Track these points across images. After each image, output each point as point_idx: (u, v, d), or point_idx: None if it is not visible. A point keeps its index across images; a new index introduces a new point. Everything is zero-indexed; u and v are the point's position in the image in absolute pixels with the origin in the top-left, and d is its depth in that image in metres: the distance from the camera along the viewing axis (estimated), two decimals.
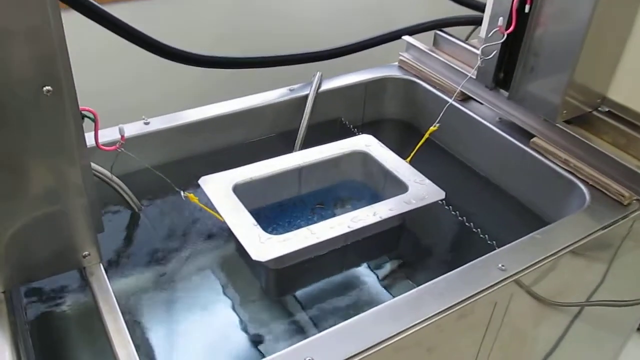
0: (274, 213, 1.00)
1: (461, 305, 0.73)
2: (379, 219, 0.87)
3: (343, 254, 0.93)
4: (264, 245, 0.81)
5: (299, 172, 1.01)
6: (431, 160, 1.09)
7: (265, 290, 0.92)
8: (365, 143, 1.08)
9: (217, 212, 0.87)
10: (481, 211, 1.07)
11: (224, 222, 0.86)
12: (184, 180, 1.00)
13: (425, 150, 1.07)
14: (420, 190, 0.95)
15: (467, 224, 0.99)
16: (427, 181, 0.97)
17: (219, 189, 0.92)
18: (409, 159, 1.05)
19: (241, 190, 0.95)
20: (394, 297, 0.79)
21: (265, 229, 0.93)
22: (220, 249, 1.00)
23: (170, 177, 0.96)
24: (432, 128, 1.02)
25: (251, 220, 0.86)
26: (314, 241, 0.82)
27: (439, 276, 0.77)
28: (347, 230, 0.85)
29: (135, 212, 1.00)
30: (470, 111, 1.17)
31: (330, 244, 0.88)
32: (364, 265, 0.99)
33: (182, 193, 0.86)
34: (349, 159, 1.06)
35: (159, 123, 1.07)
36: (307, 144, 1.18)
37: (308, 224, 0.96)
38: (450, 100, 1.10)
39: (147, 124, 1.07)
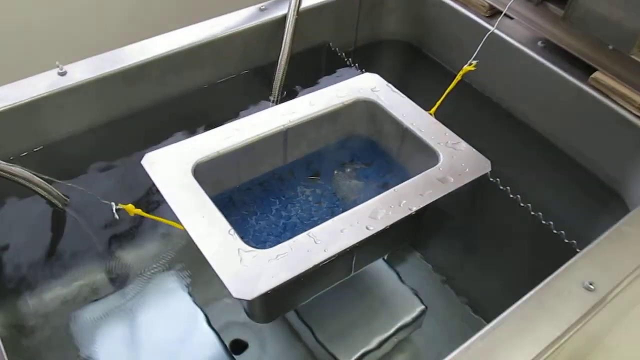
0: (253, 196, 0.73)
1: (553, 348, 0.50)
2: (407, 212, 0.61)
3: (351, 252, 0.68)
4: (248, 271, 0.54)
5: (284, 136, 0.72)
6: (452, 106, 0.82)
7: (249, 313, 0.67)
8: (370, 86, 0.79)
9: (172, 216, 0.59)
10: (532, 180, 0.82)
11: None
12: (119, 155, 0.71)
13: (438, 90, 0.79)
14: (455, 158, 0.68)
15: (521, 204, 0.74)
16: (464, 144, 0.70)
17: (172, 172, 0.64)
18: (433, 109, 0.77)
19: (205, 172, 0.66)
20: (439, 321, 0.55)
21: (244, 229, 0.66)
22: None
23: (99, 152, 0.67)
24: (467, 67, 0.73)
25: (224, 225, 0.58)
26: (320, 257, 0.56)
27: (499, 298, 0.54)
28: (365, 234, 0.59)
29: (58, 208, 0.70)
30: (502, 32, 0.88)
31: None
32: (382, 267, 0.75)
33: (113, 207, 0.56)
34: (351, 112, 0.77)
35: (79, 71, 0.74)
36: (290, 82, 0.88)
37: (302, 210, 0.70)
38: (472, 17, 0.81)
39: (62, 74, 0.74)
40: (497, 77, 0.91)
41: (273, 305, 0.66)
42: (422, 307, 0.83)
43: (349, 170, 0.78)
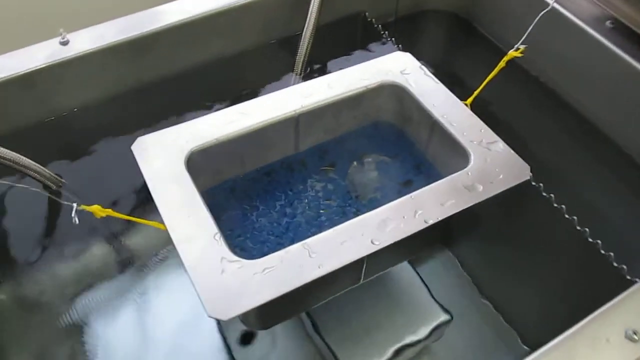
0: (257, 188, 0.66)
1: None
2: (422, 224, 0.53)
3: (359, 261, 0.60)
4: (229, 285, 0.48)
5: (296, 122, 0.64)
6: (497, 90, 0.70)
7: (241, 319, 0.62)
8: (400, 68, 0.69)
9: (154, 214, 0.53)
10: (586, 188, 0.70)
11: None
12: (121, 134, 0.65)
13: (485, 72, 0.68)
14: (489, 161, 0.58)
15: (578, 227, 0.63)
16: (501, 144, 0.60)
17: (163, 161, 0.57)
18: (470, 99, 0.66)
19: (202, 160, 0.60)
20: None
21: (242, 225, 0.60)
22: None
23: (101, 130, 0.61)
24: (513, 52, 0.61)
25: (211, 227, 0.52)
26: (313, 274, 0.49)
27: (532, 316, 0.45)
28: (369, 250, 0.51)
29: (53, 190, 0.66)
30: (563, 7, 0.75)
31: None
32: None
33: (74, 208, 0.50)
34: (375, 97, 0.68)
35: (83, 41, 0.69)
36: (317, 56, 0.80)
37: (310, 208, 0.62)
38: None
39: (64, 43, 0.69)
40: (553, 60, 0.78)
41: (269, 313, 0.60)
42: (446, 317, 0.74)
43: (368, 162, 0.69)
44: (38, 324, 0.66)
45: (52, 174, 0.65)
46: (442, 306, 0.75)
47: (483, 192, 0.55)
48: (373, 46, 0.88)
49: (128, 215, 0.55)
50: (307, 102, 0.64)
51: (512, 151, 0.59)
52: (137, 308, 0.75)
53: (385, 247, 0.51)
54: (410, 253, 0.69)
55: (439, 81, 0.67)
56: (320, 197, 0.65)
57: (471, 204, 0.54)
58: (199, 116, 0.63)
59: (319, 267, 0.49)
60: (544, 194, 0.69)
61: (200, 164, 0.60)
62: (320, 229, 0.62)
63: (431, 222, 0.52)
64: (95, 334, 0.71)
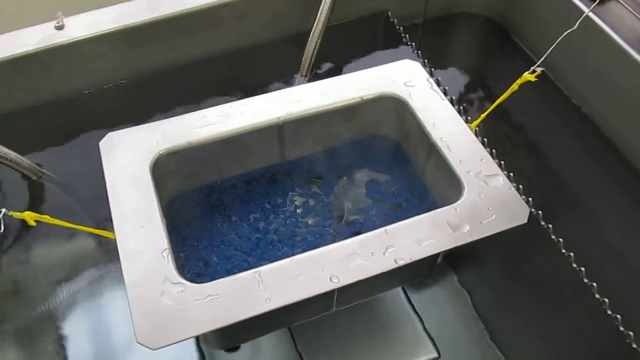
0: (234, 197, 0.61)
1: None
2: (391, 264, 0.47)
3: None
4: (166, 310, 0.44)
5: (280, 131, 0.59)
6: (517, 101, 0.63)
7: (201, 338, 0.58)
8: (405, 78, 0.62)
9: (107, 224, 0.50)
10: (604, 223, 0.62)
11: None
12: (109, 126, 0.62)
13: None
14: (483, 196, 0.51)
15: (585, 280, 0.56)
16: (501, 179, 0.53)
17: (129, 161, 0.54)
18: (476, 122, 0.59)
19: (174, 163, 0.56)
20: None
21: (210, 236, 0.56)
22: None
23: (88, 120, 0.59)
24: (527, 75, 0.54)
25: (161, 242, 0.48)
26: (258, 308, 0.44)
27: None
28: (325, 288, 0.46)
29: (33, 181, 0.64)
30: (601, 19, 0.66)
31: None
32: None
33: (1, 213, 0.47)
34: (372, 110, 0.62)
35: (78, 27, 0.66)
36: (327, 57, 0.74)
37: (285, 225, 0.58)
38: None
39: (59, 27, 0.66)
40: (582, 73, 0.69)
41: (226, 335, 0.56)
42: (434, 355, 0.68)
43: (358, 178, 0.64)
44: None
45: (31, 163, 0.63)
46: (432, 341, 0.69)
47: (468, 234, 0.49)
48: (391, 50, 0.82)
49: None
50: (294, 109, 0.59)
51: (512, 188, 0.52)
52: (111, 303, 0.72)
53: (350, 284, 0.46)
54: (390, 286, 0.63)
55: (445, 98, 0.60)
56: (298, 215, 0.60)
57: (451, 247, 0.48)
58: (189, 112, 0.59)
59: (267, 302, 0.44)
60: (553, 236, 0.61)
61: (170, 166, 0.56)
62: (292, 249, 0.57)
63: (401, 263, 0.47)
64: (72, 321, 0.69)
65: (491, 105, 0.62)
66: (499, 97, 0.62)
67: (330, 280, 0.46)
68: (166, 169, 0.56)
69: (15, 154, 0.61)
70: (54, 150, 0.70)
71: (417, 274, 0.61)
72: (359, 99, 0.60)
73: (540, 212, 0.64)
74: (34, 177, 0.64)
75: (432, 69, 0.77)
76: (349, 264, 0.47)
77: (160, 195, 0.57)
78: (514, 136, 0.74)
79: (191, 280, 0.54)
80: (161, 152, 0.55)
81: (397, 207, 0.61)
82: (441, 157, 0.55)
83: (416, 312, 0.70)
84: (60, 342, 0.66)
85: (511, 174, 0.62)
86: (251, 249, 0.57)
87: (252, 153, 0.61)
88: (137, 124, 0.57)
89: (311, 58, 0.74)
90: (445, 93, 0.65)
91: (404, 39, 0.81)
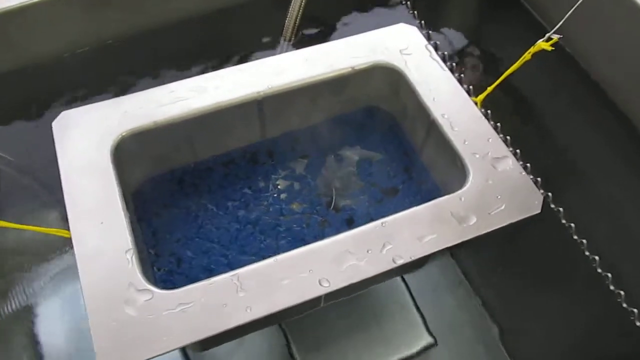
0: (210, 181, 0.55)
1: None
2: (390, 264, 0.41)
3: None
4: (130, 323, 0.38)
5: (259, 106, 0.52)
6: (527, 73, 0.56)
7: None
8: (401, 45, 0.55)
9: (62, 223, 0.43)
10: (619, 206, 0.57)
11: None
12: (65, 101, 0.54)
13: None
14: (491, 182, 0.46)
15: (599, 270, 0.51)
16: (511, 161, 0.47)
17: (87, 144, 0.46)
18: (481, 96, 0.53)
19: (139, 144, 0.49)
20: None
21: (184, 229, 0.50)
22: None
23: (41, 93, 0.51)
24: (541, 43, 0.47)
25: (125, 240, 0.41)
26: (237, 319, 0.38)
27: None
28: (315, 293, 0.40)
29: None
30: None
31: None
32: None
33: None
34: (364, 81, 0.55)
35: None
36: (315, 20, 0.67)
37: (268, 213, 0.52)
38: None
39: None
40: (601, 47, 0.63)
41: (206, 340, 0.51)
42: (429, 340, 0.64)
43: (348, 157, 0.57)
44: None
45: None
46: (428, 328, 0.65)
47: (475, 227, 0.43)
48: (384, 10, 0.74)
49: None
50: (276, 82, 0.51)
51: (523, 172, 0.46)
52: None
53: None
54: (385, 279, 0.58)
55: (446, 68, 0.53)
56: (283, 200, 0.54)
57: (457, 242, 0.42)
58: (158, 85, 0.52)
59: (247, 311, 0.39)
60: (564, 221, 0.56)
61: (135, 150, 0.49)
62: (276, 240, 0.52)
63: (401, 262, 0.41)
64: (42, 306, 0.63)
65: (499, 77, 0.55)
66: (504, 67, 0.55)
67: (320, 284, 0.40)
68: (130, 153, 0.49)
69: None
70: (5, 128, 0.62)
71: (416, 265, 0.56)
72: (349, 69, 0.53)
73: (549, 193, 0.59)
74: None
75: (429, 32, 0.70)
76: (340, 265, 0.41)
77: (125, 182, 0.50)
78: (520, 110, 0.68)
79: (163, 281, 0.48)
80: (123, 134, 0.47)
81: (392, 191, 0.55)
82: (443, 136, 0.49)
83: (413, 299, 0.65)
84: (29, 338, 0.60)
85: (517, 152, 0.57)
86: (230, 242, 0.51)
87: (229, 132, 0.54)
88: (99, 98, 0.50)
89: (295, 19, 0.67)
90: (444, 61, 0.59)
91: (403, 5, 0.73)
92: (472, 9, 0.79)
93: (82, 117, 0.48)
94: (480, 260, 0.67)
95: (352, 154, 0.57)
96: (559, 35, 0.45)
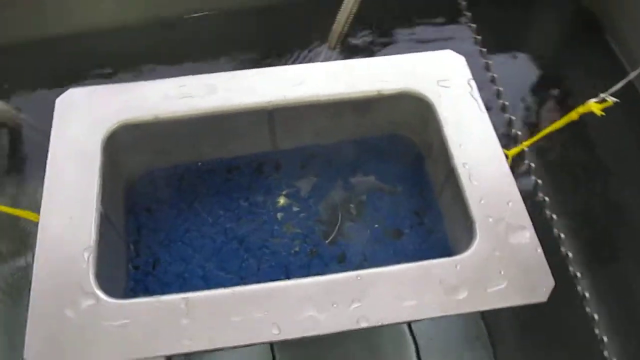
0: (208, 185, 0.52)
1: None
2: (351, 324, 0.37)
3: None
4: (66, 330, 0.36)
5: (269, 116, 0.49)
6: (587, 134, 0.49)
7: None
8: (439, 75, 0.49)
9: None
10: None
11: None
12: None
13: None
14: (498, 254, 0.39)
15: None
16: (528, 234, 0.40)
17: (80, 128, 0.45)
18: (514, 151, 0.46)
19: (138, 136, 0.47)
20: None
21: (169, 232, 0.48)
22: None
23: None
24: (593, 103, 0.39)
25: (87, 238, 0.40)
26: (174, 349, 0.36)
27: None
28: (260, 339, 0.36)
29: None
30: None
31: None
32: None
33: None
34: (390, 107, 0.50)
35: None
36: (361, 29, 0.63)
37: (255, 233, 0.49)
38: None
39: None
40: None
41: None
42: None
43: (359, 186, 0.52)
44: None
45: (6, 106, 0.57)
46: None
47: (462, 303, 0.37)
48: (446, 28, 0.67)
49: None
50: (291, 94, 0.47)
51: (539, 249, 0.40)
52: None
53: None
54: None
55: (484, 109, 0.47)
56: (277, 220, 0.50)
57: (436, 316, 0.37)
58: (192, 69, 0.50)
59: (188, 340, 0.36)
60: (588, 309, 0.48)
61: (133, 141, 0.47)
62: (258, 262, 0.48)
63: (365, 325, 0.36)
64: None
65: (558, 122, 0.48)
66: (571, 108, 0.48)
67: (271, 330, 0.36)
68: (128, 143, 0.47)
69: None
70: (36, 95, 0.63)
71: None
72: (375, 92, 0.48)
73: (578, 273, 0.51)
74: (10, 123, 0.58)
75: (488, 62, 0.63)
76: (299, 313, 0.37)
77: (119, 172, 0.49)
78: (574, 167, 0.60)
79: (134, 280, 0.47)
80: (121, 123, 0.46)
81: (397, 234, 0.49)
82: (458, 188, 0.43)
83: (415, 342, 0.59)
84: None
85: (554, 217, 0.49)
86: (211, 254, 0.48)
87: (235, 137, 0.51)
88: (124, 78, 0.48)
89: (343, 27, 0.62)
90: (498, 97, 0.52)
91: (464, 15, 0.66)
92: (547, 39, 0.70)
93: (85, 98, 0.47)
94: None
95: (365, 184, 0.52)
96: (614, 99, 0.38)
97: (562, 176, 0.57)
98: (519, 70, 0.65)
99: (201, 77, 0.49)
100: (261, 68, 0.49)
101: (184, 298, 0.37)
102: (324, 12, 0.64)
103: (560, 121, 0.41)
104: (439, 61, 0.50)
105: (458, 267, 0.39)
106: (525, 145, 0.45)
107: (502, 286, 0.38)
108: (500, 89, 0.59)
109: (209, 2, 0.69)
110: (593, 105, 0.38)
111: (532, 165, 0.55)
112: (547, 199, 0.53)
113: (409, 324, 0.56)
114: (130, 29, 0.66)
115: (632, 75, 0.37)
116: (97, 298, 0.37)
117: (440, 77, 0.49)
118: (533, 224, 0.40)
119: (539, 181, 0.54)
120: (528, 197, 0.56)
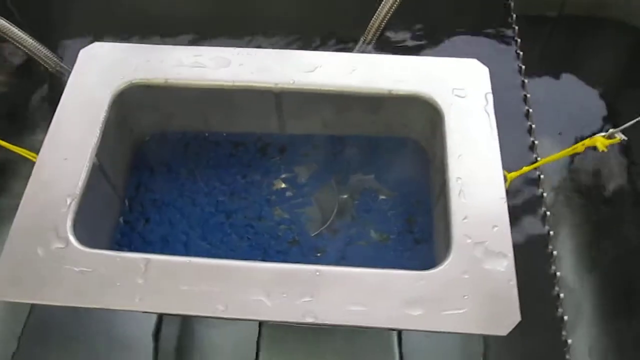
0: (211, 157, 0.53)
1: None
2: (296, 317, 0.36)
3: None
4: (30, 264, 0.38)
5: (277, 99, 0.48)
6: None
7: None
8: (457, 83, 0.47)
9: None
10: None
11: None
12: None
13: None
14: (468, 276, 0.37)
15: None
16: (507, 262, 0.38)
17: (95, 81, 0.47)
18: (515, 174, 0.43)
19: (142, 97, 0.48)
20: None
21: (165, 197, 0.50)
22: None
23: None
24: (599, 138, 0.36)
25: (73, 186, 0.41)
26: (129, 304, 0.37)
27: None
28: (209, 312, 0.36)
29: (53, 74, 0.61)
30: None
31: None
32: None
33: None
34: (400, 109, 0.48)
35: None
36: (399, 25, 0.62)
37: (246, 212, 0.50)
38: None
39: None
40: None
41: None
42: None
43: (357, 184, 0.51)
44: None
45: (50, 53, 0.60)
46: None
47: (415, 320, 0.36)
48: (491, 39, 0.63)
49: None
50: (300, 79, 0.47)
51: (513, 281, 0.37)
52: None
53: None
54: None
55: (494, 125, 0.44)
56: (268, 201, 0.50)
57: (384, 327, 0.36)
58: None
59: (137, 300, 0.37)
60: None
61: (144, 101, 0.49)
62: (239, 239, 0.48)
63: (309, 320, 0.36)
64: None
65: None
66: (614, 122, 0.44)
67: (216, 305, 0.36)
68: (138, 102, 0.49)
69: (33, 40, 0.58)
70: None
71: None
72: (386, 92, 0.47)
73: (566, 317, 0.48)
74: (50, 69, 0.61)
75: (525, 80, 0.59)
76: (248, 295, 0.37)
77: (130, 129, 0.51)
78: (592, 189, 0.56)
79: (120, 233, 0.48)
80: (132, 82, 0.47)
81: (382, 238, 0.48)
82: (447, 204, 0.41)
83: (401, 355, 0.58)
84: None
85: (554, 253, 0.46)
86: (198, 223, 0.49)
87: (244, 113, 0.51)
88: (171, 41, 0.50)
89: (380, 23, 0.60)
90: (527, 116, 0.49)
91: (511, 29, 0.63)
92: (600, 64, 0.65)
93: (106, 53, 0.49)
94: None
95: (363, 182, 0.51)
96: (623, 137, 0.34)
97: (582, 210, 0.53)
98: (559, 94, 0.61)
99: (218, 50, 0.49)
100: (277, 50, 0.49)
101: (145, 259, 0.38)
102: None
103: (567, 150, 0.38)
104: (461, 69, 0.48)
105: (421, 283, 0.37)
106: (525, 170, 0.42)
107: (462, 311, 0.36)
108: (531, 110, 0.55)
109: None
110: (598, 140, 0.35)
111: (544, 194, 0.52)
112: (551, 232, 0.50)
113: (399, 336, 0.55)
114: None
115: None
116: (68, 242, 0.39)
117: (458, 86, 0.47)
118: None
119: (548, 213, 0.50)
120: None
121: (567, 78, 0.64)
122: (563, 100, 0.60)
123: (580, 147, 0.37)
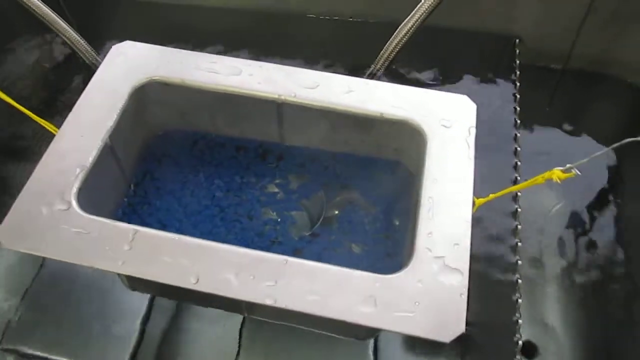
0: (214, 157, 0.57)
1: None
2: (259, 300, 0.39)
3: None
4: (34, 219, 0.43)
5: (278, 109, 0.53)
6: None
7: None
8: (446, 116, 0.50)
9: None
10: None
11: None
12: None
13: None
14: (421, 285, 0.40)
15: None
16: (461, 278, 0.41)
17: (119, 73, 0.53)
18: (482, 200, 0.46)
19: (159, 94, 0.54)
20: None
21: (169, 185, 0.54)
22: None
23: None
24: (557, 171, 0.39)
25: (85, 159, 0.46)
26: (112, 266, 0.41)
27: None
28: (181, 283, 0.40)
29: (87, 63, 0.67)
30: None
31: None
32: None
33: None
34: (390, 132, 0.52)
35: None
36: (409, 60, 0.66)
37: (238, 210, 0.54)
38: None
39: None
40: None
41: (135, 279, 0.54)
42: None
43: (341, 196, 0.55)
44: None
45: (89, 47, 0.66)
46: None
47: (365, 316, 0.39)
48: (490, 80, 0.67)
49: None
50: (301, 94, 0.52)
51: (464, 295, 0.40)
52: None
53: None
54: (311, 325, 0.54)
55: (472, 157, 0.48)
56: (259, 202, 0.54)
57: (334, 318, 0.39)
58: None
59: (120, 264, 0.41)
60: None
61: (160, 97, 0.54)
62: (226, 232, 0.53)
63: (269, 302, 0.39)
64: None
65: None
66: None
67: (190, 278, 0.40)
68: (155, 97, 0.54)
69: (76, 33, 0.65)
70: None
71: (345, 331, 0.52)
72: (378, 114, 0.51)
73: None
74: (87, 61, 0.68)
75: (518, 133, 0.62)
76: (219, 273, 0.40)
77: (146, 121, 0.56)
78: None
79: (122, 213, 0.53)
80: (151, 78, 0.53)
81: (356, 247, 0.51)
82: (415, 217, 0.45)
83: None
84: None
85: (518, 282, 0.48)
86: (191, 213, 0.53)
87: (248, 120, 0.56)
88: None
89: (390, 54, 0.65)
90: (515, 153, 0.53)
91: (513, 74, 0.66)
92: (602, 121, 0.68)
93: (133, 51, 0.54)
94: None
95: (349, 196, 0.55)
96: (578, 172, 0.37)
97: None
98: (550, 141, 0.63)
99: (233, 60, 0.55)
100: (284, 66, 0.54)
101: (134, 229, 0.42)
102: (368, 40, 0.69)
103: (527, 182, 0.41)
104: (451, 103, 0.52)
105: (377, 284, 0.40)
106: (491, 197, 0.45)
107: (411, 314, 0.39)
108: (519, 148, 0.58)
109: (317, 5, 0.76)
110: (555, 173, 0.38)
111: (520, 226, 0.54)
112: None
113: (375, 345, 0.57)
114: (229, 11, 0.76)
115: (597, 154, 0.37)
116: (70, 206, 0.44)
117: (445, 117, 0.50)
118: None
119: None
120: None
121: (559, 127, 0.67)
122: (551, 146, 0.63)
123: (540, 179, 0.40)
